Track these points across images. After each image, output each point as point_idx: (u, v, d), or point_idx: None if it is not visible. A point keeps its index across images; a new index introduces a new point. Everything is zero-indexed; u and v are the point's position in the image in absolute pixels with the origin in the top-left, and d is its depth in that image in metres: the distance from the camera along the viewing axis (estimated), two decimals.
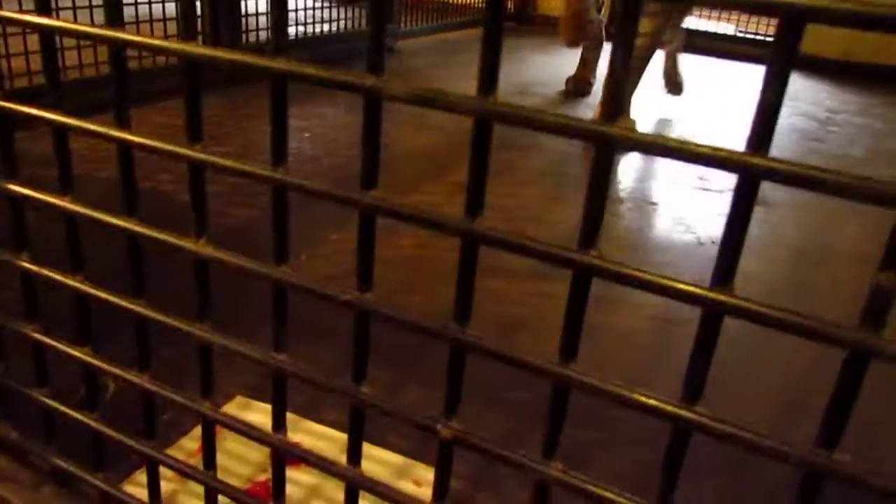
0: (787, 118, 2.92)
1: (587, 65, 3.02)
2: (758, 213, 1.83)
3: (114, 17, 0.50)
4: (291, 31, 2.98)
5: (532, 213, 1.73)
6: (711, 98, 3.14)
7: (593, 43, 2.95)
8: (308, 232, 1.48)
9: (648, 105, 2.89)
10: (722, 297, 0.34)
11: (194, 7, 0.48)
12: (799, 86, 3.61)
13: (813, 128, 2.81)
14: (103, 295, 0.57)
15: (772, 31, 4.18)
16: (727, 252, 0.35)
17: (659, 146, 0.34)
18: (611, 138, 0.33)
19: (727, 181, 2.09)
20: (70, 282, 0.59)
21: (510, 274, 1.38)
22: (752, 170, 0.32)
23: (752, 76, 3.69)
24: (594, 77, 3.02)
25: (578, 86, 3.02)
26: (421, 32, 3.82)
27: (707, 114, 2.92)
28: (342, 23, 3.17)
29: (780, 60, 0.30)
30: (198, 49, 0.45)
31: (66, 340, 0.64)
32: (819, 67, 3.92)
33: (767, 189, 1.70)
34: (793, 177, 0.32)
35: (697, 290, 0.35)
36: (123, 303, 0.56)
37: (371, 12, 0.39)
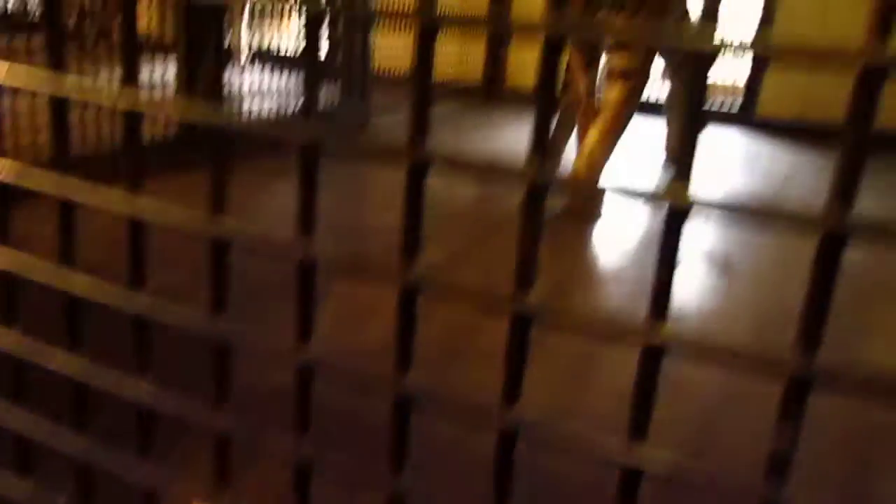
0: (749, 178, 3.00)
1: (561, 135, 2.96)
2: (717, 282, 1.86)
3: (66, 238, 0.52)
4: (266, 107, 3.03)
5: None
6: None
7: (577, 109, 2.79)
8: (278, 303, 1.48)
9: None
10: (633, 465, 0.35)
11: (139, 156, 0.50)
12: (758, 148, 3.73)
13: (771, 190, 2.89)
14: (44, 434, 0.57)
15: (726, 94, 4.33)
16: (638, 413, 0.37)
17: (571, 322, 0.36)
18: (526, 315, 0.35)
19: (695, 251, 2.13)
20: (12, 419, 0.59)
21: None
22: (653, 347, 0.34)
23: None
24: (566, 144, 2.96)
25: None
26: (396, 108, 3.85)
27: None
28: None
29: (667, 249, 0.33)
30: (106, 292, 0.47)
31: (9, 467, 0.63)
32: (776, 129, 4.06)
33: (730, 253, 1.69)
34: (696, 351, 0.35)
35: (614, 456, 0.36)
36: (66, 442, 0.56)
37: (299, 193, 0.42)
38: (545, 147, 0.35)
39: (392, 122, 3.71)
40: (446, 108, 4.22)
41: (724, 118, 4.24)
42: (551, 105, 0.40)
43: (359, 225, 2.14)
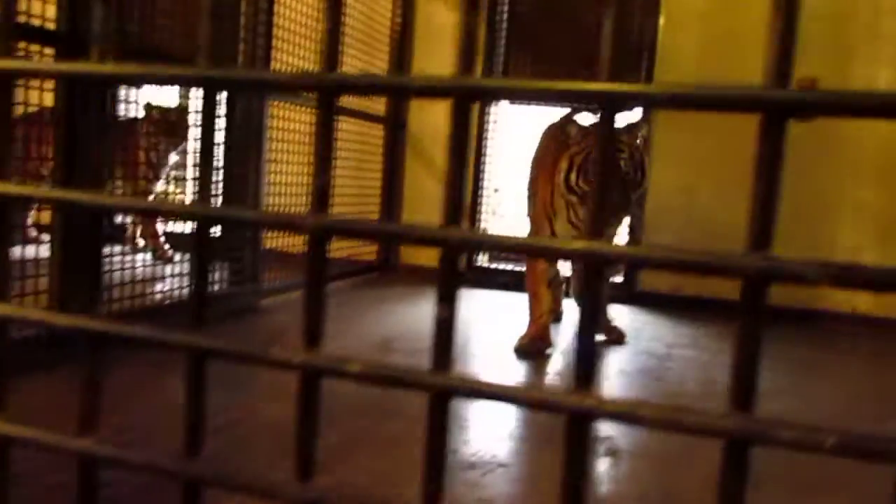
0: (635, 356, 3.14)
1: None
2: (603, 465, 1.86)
3: None
4: (159, 290, 2.99)
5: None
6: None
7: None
8: None
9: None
10: None
11: None
12: (641, 322, 3.93)
13: (653, 365, 3.02)
14: None
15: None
16: None
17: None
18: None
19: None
20: None
21: None
22: None
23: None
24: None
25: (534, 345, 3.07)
26: (287, 288, 3.70)
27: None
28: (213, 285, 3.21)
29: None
30: None
31: None
32: (655, 302, 4.33)
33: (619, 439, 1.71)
34: None
35: None
36: None
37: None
38: None
39: (282, 304, 3.60)
40: (344, 284, 4.24)
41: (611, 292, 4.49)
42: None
43: (243, 418, 2.09)
